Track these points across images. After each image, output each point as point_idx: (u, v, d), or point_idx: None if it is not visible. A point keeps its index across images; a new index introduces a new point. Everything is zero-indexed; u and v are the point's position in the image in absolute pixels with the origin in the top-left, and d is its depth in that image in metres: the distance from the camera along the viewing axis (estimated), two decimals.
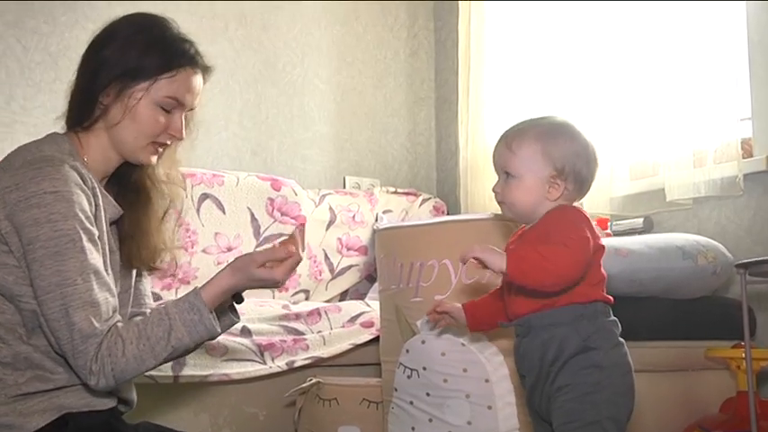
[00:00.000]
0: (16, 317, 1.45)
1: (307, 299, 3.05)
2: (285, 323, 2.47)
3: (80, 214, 1.43)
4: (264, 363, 2.32)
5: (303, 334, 2.43)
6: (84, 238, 1.42)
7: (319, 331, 2.45)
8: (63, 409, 1.44)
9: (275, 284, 1.54)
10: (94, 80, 1.53)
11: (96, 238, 1.46)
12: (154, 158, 1.59)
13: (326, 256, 3.15)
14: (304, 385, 2.24)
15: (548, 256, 1.41)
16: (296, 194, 3.14)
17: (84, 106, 1.54)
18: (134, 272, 1.67)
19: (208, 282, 1.54)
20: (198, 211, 2.95)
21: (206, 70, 1.62)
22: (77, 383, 1.47)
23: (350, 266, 3.18)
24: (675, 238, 2.30)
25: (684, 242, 2.25)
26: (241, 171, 3.17)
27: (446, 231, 2.05)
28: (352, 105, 3.63)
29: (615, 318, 1.51)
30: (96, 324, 1.40)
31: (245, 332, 2.34)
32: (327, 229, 3.19)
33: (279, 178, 3.16)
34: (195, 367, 2.21)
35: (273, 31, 3.47)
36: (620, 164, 2.86)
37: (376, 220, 3.26)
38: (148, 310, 1.73)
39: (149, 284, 1.77)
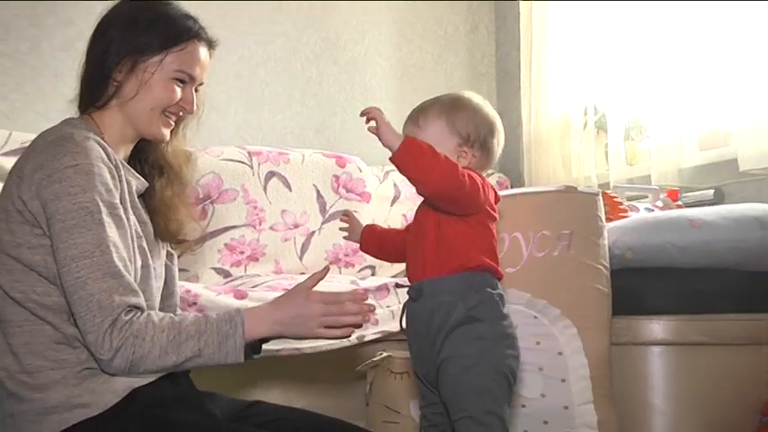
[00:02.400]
0: (62, 299, 1.42)
1: (373, 274, 3.07)
2: None
3: (100, 186, 1.42)
4: None
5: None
6: (104, 211, 1.41)
7: (388, 306, 2.46)
8: (132, 385, 1.44)
9: (307, 298, 1.49)
10: (105, 59, 1.54)
11: (119, 211, 1.45)
12: (167, 132, 1.60)
13: None
14: (375, 359, 2.26)
15: (443, 160, 1.43)
16: (360, 171, 3.15)
17: (98, 85, 1.55)
18: (164, 251, 1.66)
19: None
20: (265, 188, 2.98)
21: (211, 44, 1.62)
22: None
23: None
24: (752, 208, 2.25)
25: (762, 212, 2.20)
26: (306, 149, 3.19)
27: (517, 204, 2.04)
28: (412, 81, 3.62)
29: (502, 292, 1.51)
30: (115, 297, 1.37)
31: None
32: (392, 204, 3.20)
33: (343, 155, 3.17)
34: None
35: (334, 8, 3.47)
36: (688, 134, 2.81)
37: None
38: (178, 300, 1.71)
39: (176, 269, 1.74)
